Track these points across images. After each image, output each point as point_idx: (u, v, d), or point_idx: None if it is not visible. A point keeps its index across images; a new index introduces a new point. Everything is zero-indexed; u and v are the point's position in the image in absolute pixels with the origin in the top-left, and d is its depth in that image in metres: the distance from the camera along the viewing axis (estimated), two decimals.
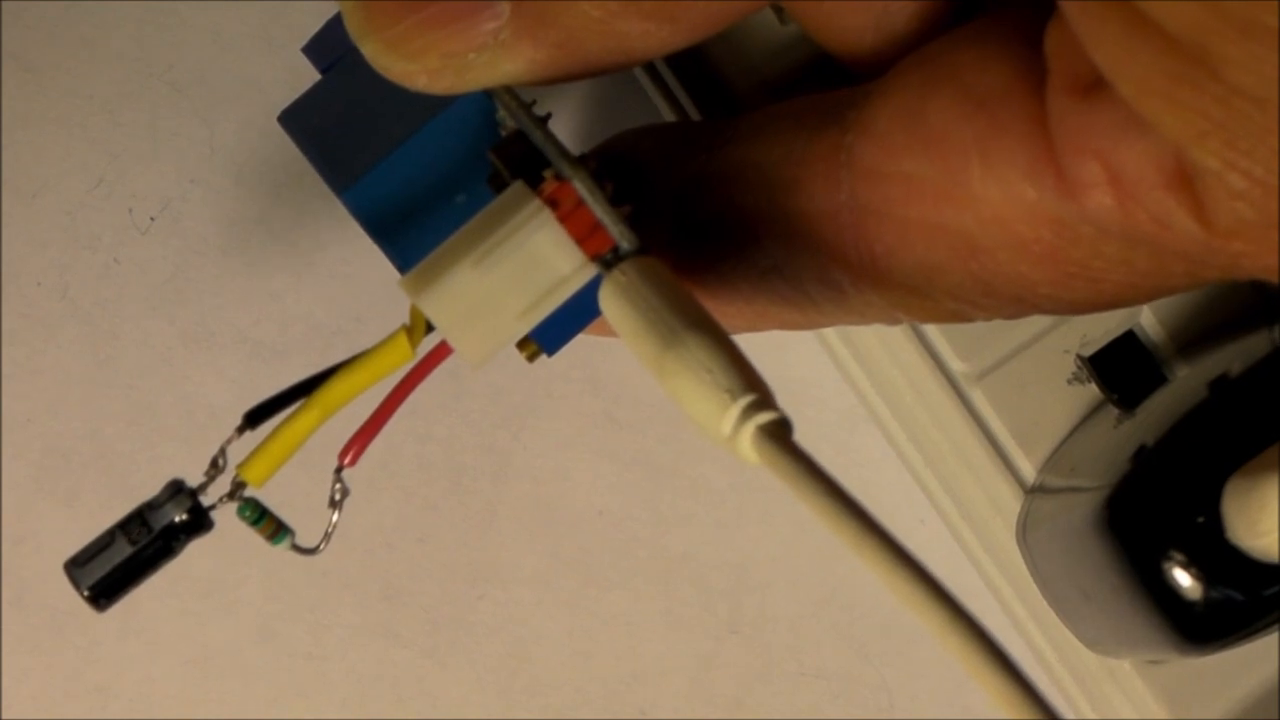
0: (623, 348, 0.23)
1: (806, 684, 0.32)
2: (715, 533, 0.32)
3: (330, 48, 0.22)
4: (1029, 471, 0.27)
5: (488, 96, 0.20)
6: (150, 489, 0.31)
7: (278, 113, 0.22)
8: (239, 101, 0.32)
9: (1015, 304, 0.19)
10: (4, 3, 0.32)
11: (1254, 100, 0.14)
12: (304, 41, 0.22)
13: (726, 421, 0.17)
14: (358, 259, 0.27)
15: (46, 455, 0.31)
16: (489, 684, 0.31)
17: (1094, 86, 0.16)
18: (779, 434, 0.17)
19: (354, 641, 0.31)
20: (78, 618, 0.30)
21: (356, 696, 0.31)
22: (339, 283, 0.32)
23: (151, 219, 0.31)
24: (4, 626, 0.30)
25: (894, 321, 0.20)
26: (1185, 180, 0.16)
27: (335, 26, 0.22)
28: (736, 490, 0.32)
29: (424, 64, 0.19)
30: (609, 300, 0.19)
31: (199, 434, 0.31)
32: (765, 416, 0.17)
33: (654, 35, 0.19)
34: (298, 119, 0.22)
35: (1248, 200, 0.15)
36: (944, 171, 0.18)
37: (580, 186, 0.18)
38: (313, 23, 0.21)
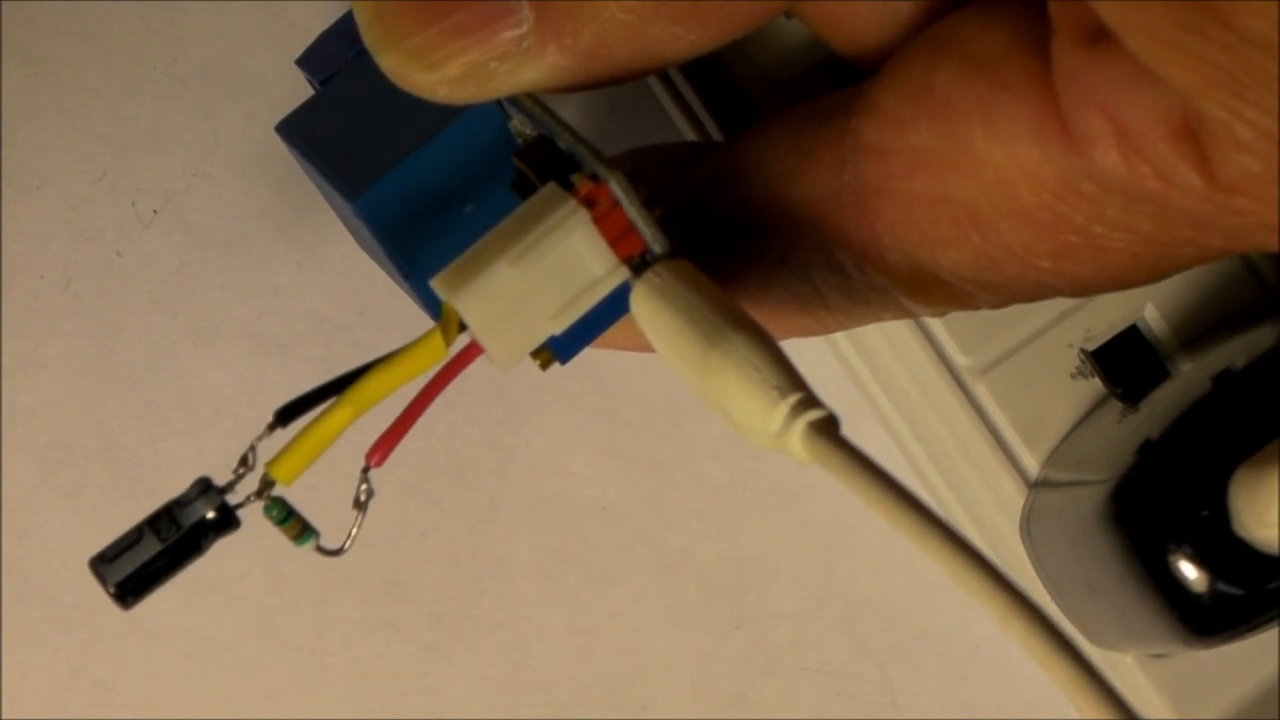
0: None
1: (809, 680, 0.32)
2: (717, 529, 0.32)
3: (327, 59, 0.22)
4: (1032, 466, 0.27)
5: (498, 106, 0.20)
6: (153, 483, 0.31)
7: (280, 110, 0.22)
8: (242, 95, 0.32)
9: (1018, 283, 0.18)
10: None
11: (1263, 47, 0.14)
12: (306, 38, 0.22)
13: (775, 419, 0.17)
14: (361, 253, 0.27)
15: (50, 449, 0.31)
16: (491, 679, 0.31)
17: (1100, 38, 0.16)
18: (829, 430, 0.17)
19: (356, 636, 0.31)
20: (80, 612, 0.30)
21: (358, 691, 0.31)
22: (343, 277, 0.32)
23: (155, 212, 0.32)
24: (6, 621, 0.30)
25: (900, 314, 0.20)
26: (1190, 133, 0.16)
27: (330, 38, 0.22)
28: (738, 486, 0.32)
29: (445, 74, 0.18)
30: (644, 302, 0.18)
31: (202, 428, 0.31)
32: (815, 414, 0.17)
33: (682, 39, 0.18)
34: (297, 130, 0.21)
35: (1253, 152, 0.15)
36: (948, 139, 0.18)
37: (617, 188, 0.18)
38: (316, 16, 0.21)
